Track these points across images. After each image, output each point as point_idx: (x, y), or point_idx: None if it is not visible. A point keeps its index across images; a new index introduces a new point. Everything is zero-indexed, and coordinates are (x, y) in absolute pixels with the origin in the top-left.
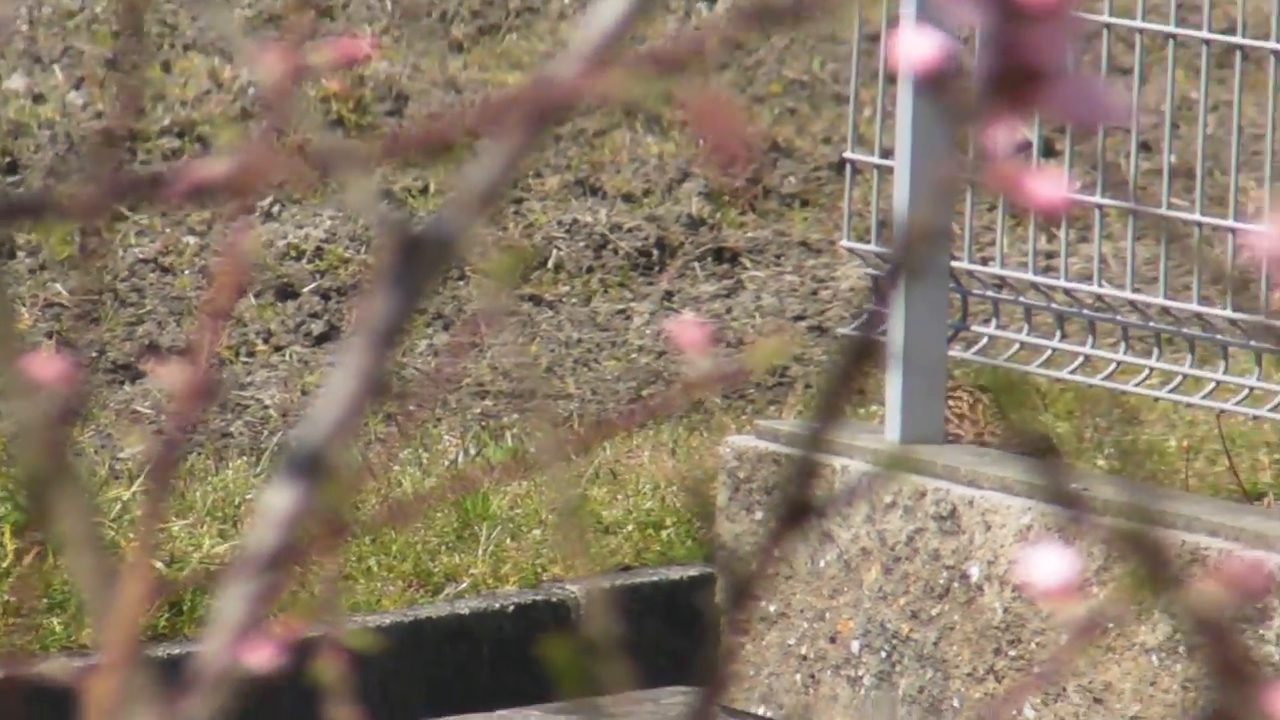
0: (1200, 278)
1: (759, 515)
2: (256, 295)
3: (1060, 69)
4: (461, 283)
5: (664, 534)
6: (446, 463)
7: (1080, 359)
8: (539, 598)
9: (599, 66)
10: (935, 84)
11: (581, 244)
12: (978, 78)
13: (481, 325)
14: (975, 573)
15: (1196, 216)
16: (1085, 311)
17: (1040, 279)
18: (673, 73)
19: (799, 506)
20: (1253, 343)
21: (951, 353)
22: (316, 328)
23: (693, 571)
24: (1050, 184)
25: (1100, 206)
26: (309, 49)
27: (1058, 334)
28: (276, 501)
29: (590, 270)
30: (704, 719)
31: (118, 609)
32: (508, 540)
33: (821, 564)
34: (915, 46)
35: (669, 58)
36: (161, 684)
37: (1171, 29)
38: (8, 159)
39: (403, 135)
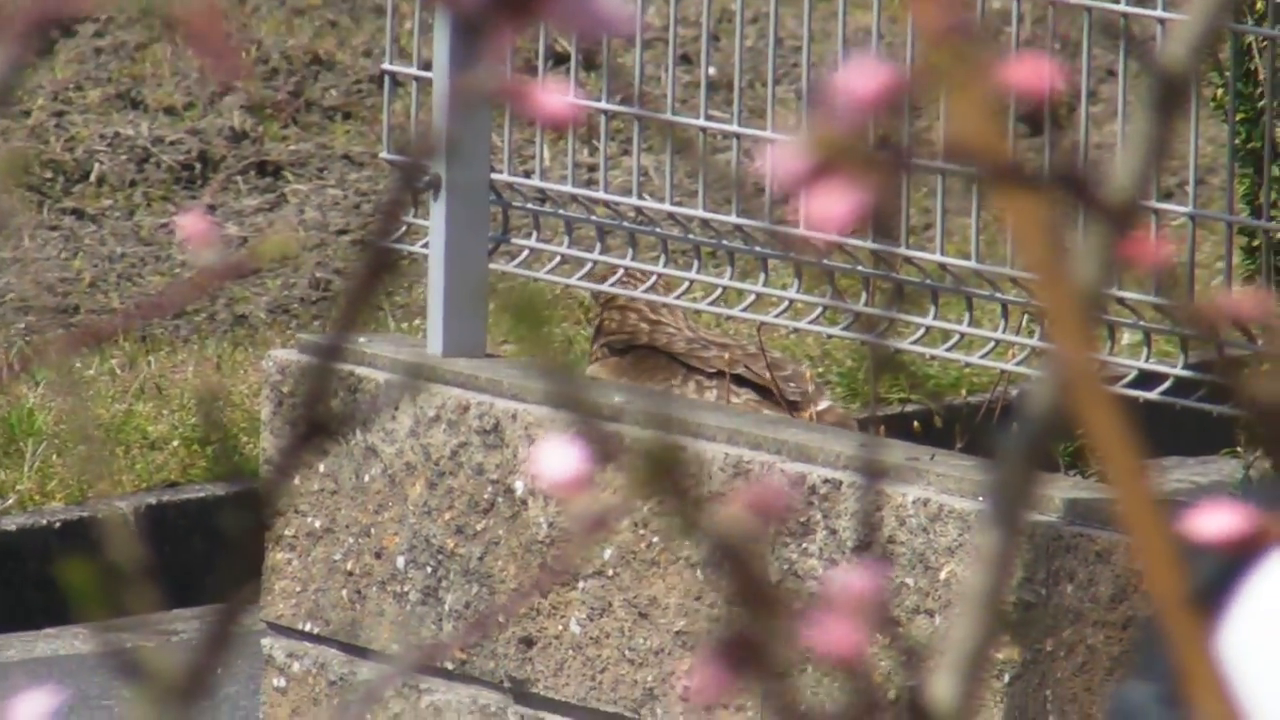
0: (739, 190)
1: None
2: None
3: None
4: None
5: (209, 448)
6: None
7: (621, 271)
8: (85, 514)
9: None
10: None
11: (124, 157)
12: None
13: None
14: (520, 487)
15: (734, 128)
16: (626, 224)
17: (581, 191)
18: None
19: (316, 419)
20: (792, 255)
21: (493, 266)
22: None
23: (239, 487)
24: (556, 95)
25: (639, 119)
26: None
27: (598, 247)
28: None
29: (133, 184)
30: (225, 633)
31: None
32: (54, 457)
33: (366, 479)
34: None
35: None
36: None
37: None
38: None
39: None
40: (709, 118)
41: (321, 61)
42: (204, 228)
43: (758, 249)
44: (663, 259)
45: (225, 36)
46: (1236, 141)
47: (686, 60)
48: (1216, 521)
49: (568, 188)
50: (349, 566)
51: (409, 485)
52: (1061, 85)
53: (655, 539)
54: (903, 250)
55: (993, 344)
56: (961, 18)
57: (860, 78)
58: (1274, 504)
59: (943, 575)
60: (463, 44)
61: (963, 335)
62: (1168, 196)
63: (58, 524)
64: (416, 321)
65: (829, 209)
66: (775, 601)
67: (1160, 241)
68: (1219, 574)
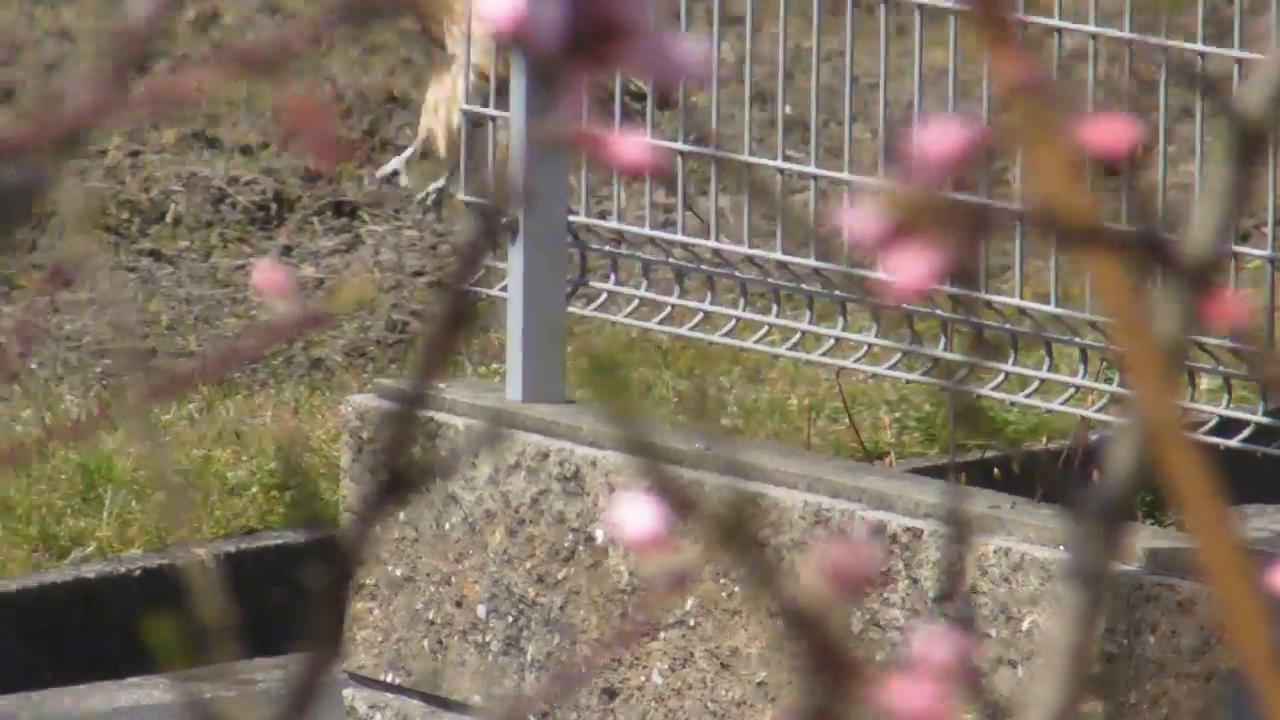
0: (816, 233)
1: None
2: None
3: (638, 25)
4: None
5: (289, 495)
6: (70, 423)
7: (700, 315)
8: (165, 561)
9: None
10: (516, 41)
11: (200, 198)
12: (559, 34)
13: (63, 276)
14: (600, 535)
15: (811, 169)
16: (704, 267)
17: (658, 234)
18: (267, 72)
19: (398, 470)
20: (869, 299)
21: (571, 309)
22: None
23: (318, 535)
24: (632, 142)
25: (717, 161)
26: None
27: (676, 290)
28: None
29: (209, 225)
30: (313, 685)
31: None
32: (133, 503)
33: (447, 526)
34: (492, 3)
35: (260, 56)
36: None
37: None
38: None
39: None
40: (785, 158)
41: (396, 100)
42: (278, 277)
43: (836, 293)
44: (741, 302)
45: (327, 124)
46: None
47: (761, 98)
48: None
49: (644, 230)
50: (430, 616)
51: (489, 533)
52: (1140, 141)
53: (737, 589)
54: (982, 294)
55: (1072, 390)
56: (1040, 73)
57: (938, 137)
58: None
59: (1025, 625)
60: (539, 87)
61: (1042, 381)
62: (1245, 239)
63: (138, 571)
64: (494, 365)
65: (909, 269)
66: (852, 668)
67: (1240, 295)
68: None
